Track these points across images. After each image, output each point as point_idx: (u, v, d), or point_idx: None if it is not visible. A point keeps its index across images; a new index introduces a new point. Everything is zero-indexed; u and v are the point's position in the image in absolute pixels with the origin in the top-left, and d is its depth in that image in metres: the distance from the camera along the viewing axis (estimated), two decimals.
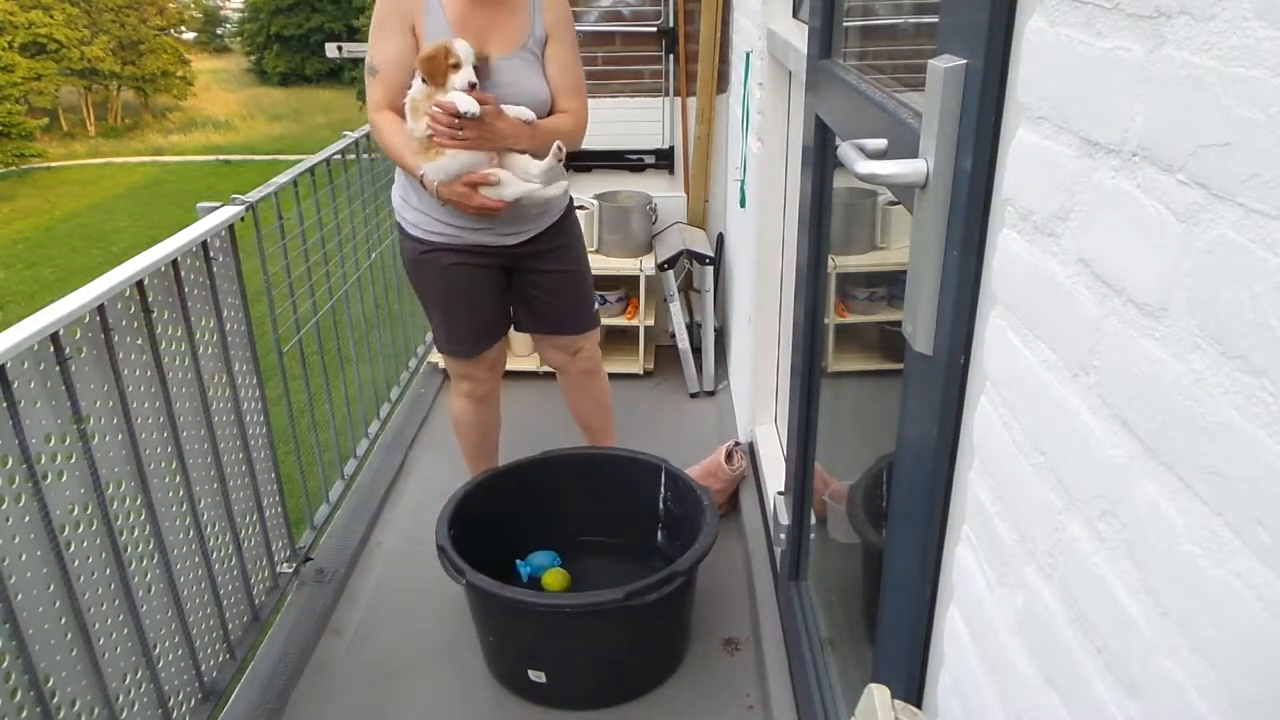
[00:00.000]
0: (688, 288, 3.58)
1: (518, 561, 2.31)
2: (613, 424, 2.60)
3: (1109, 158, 0.62)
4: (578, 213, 2.37)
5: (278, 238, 2.28)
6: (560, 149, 2.04)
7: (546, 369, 3.37)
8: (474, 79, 1.95)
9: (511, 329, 2.37)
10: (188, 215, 1.93)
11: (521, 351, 3.49)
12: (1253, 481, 0.47)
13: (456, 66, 1.94)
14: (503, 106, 2.01)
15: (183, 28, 33.93)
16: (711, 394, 3.41)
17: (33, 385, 1.40)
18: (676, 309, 3.35)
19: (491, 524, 2.22)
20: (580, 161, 3.58)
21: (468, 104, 1.93)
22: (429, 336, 3.66)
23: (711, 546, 2.02)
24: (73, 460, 1.49)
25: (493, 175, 2.01)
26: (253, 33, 33.21)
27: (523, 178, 2.05)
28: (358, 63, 26.54)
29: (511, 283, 2.27)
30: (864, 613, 1.48)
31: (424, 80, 1.97)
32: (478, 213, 2.03)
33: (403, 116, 2.04)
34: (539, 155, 2.06)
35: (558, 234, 2.23)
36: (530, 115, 2.04)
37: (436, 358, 3.52)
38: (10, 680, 1.35)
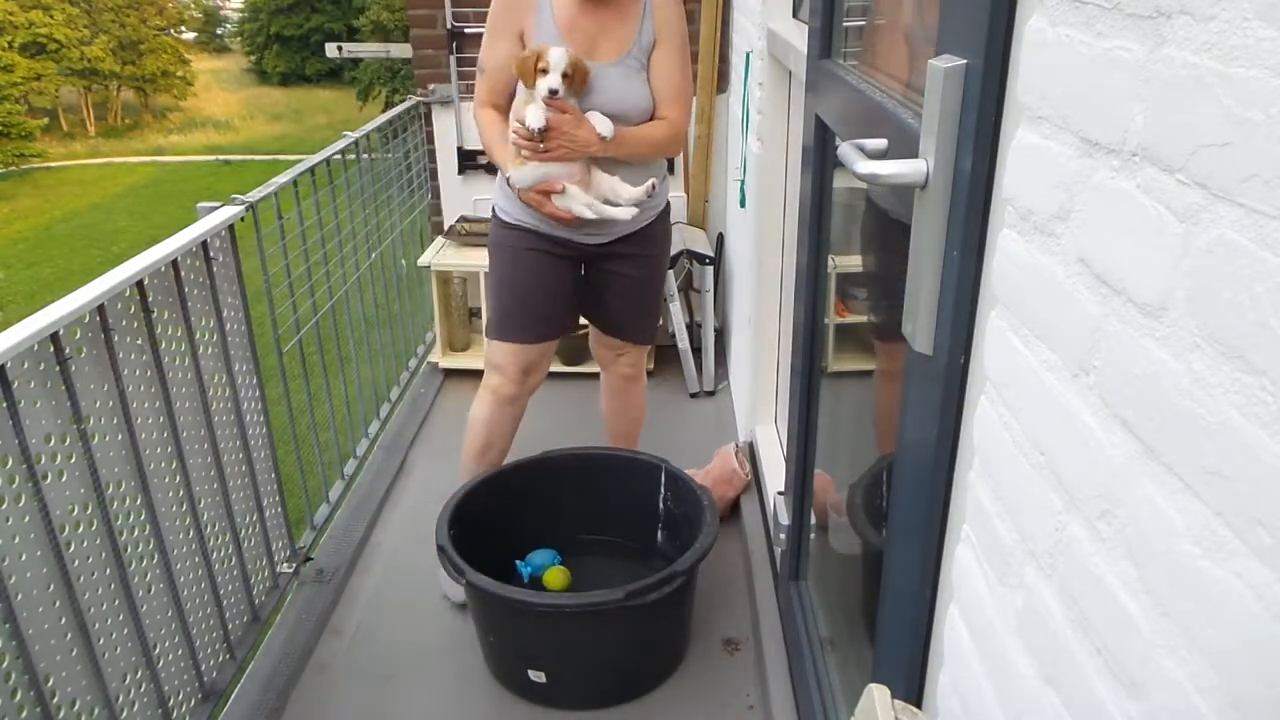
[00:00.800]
0: (688, 288, 3.58)
1: (517, 562, 2.31)
2: (639, 434, 2.59)
3: (1109, 158, 0.62)
4: None
5: (278, 238, 2.28)
6: (653, 185, 2.09)
7: (551, 369, 3.38)
8: (556, 86, 1.92)
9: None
10: (188, 215, 1.93)
11: None
12: (1253, 481, 0.47)
13: (544, 72, 1.92)
14: (591, 114, 2.00)
15: (183, 28, 33.96)
16: (711, 394, 3.41)
17: (33, 385, 1.40)
18: (676, 309, 3.36)
19: (491, 524, 2.22)
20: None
21: (534, 119, 1.93)
22: (429, 336, 3.66)
23: (711, 546, 2.02)
24: (73, 460, 1.49)
25: (559, 185, 2.02)
26: (253, 33, 33.21)
27: (611, 199, 2.06)
28: (358, 63, 26.67)
29: (586, 278, 2.26)
30: (864, 613, 1.48)
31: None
32: (550, 219, 2.06)
33: (506, 114, 2.07)
34: (634, 162, 2.08)
35: (644, 241, 2.23)
36: (608, 128, 2.00)
37: (437, 357, 3.52)
38: (10, 680, 1.35)
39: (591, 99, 2.01)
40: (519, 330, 2.22)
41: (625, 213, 2.08)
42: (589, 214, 2.04)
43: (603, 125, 2.00)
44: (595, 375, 2.64)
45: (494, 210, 2.23)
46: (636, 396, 2.51)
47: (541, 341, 2.25)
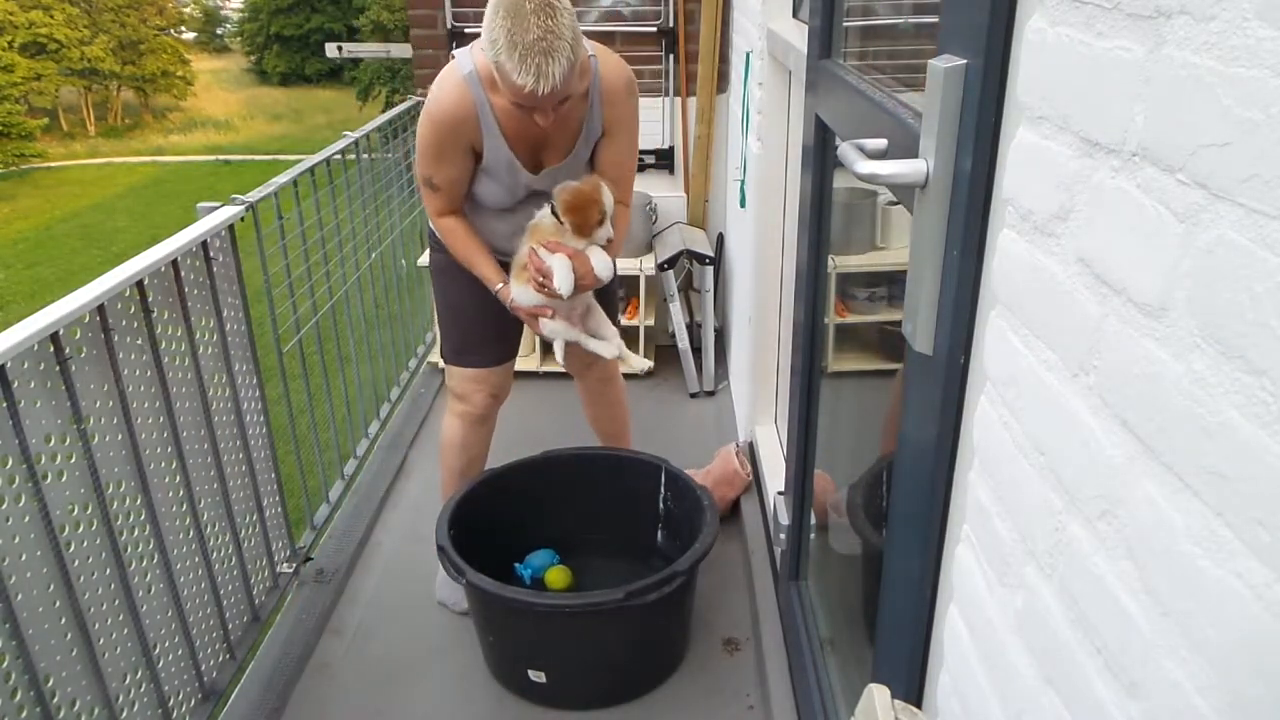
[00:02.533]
0: (688, 288, 3.58)
1: (517, 565, 2.31)
2: (629, 431, 2.57)
3: (1109, 158, 0.62)
4: None
5: (278, 238, 2.28)
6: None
7: (547, 369, 3.39)
8: (610, 235, 1.97)
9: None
10: (188, 215, 1.93)
11: (522, 351, 3.49)
12: (1253, 481, 0.47)
13: (601, 222, 1.95)
14: (593, 252, 1.98)
15: (183, 28, 33.94)
16: (711, 394, 3.41)
17: (33, 385, 1.40)
18: (676, 309, 3.36)
19: (491, 524, 2.22)
20: None
21: (564, 284, 1.94)
22: (429, 336, 3.66)
23: (711, 546, 2.02)
24: (73, 460, 1.49)
25: (549, 311, 2.03)
26: (253, 33, 33.20)
27: (598, 334, 2.12)
28: (358, 63, 26.66)
29: None
30: (864, 613, 1.48)
31: (556, 217, 1.95)
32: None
33: (461, 215, 2.05)
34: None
35: None
36: (608, 271, 2.01)
37: (436, 357, 3.52)
38: (10, 680, 1.35)
39: (537, 189, 2.01)
40: (477, 355, 2.21)
41: (610, 349, 2.12)
42: (573, 338, 2.09)
43: (603, 269, 2.00)
44: None
45: (434, 235, 2.18)
46: (615, 395, 2.49)
47: (501, 363, 2.25)
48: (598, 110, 1.98)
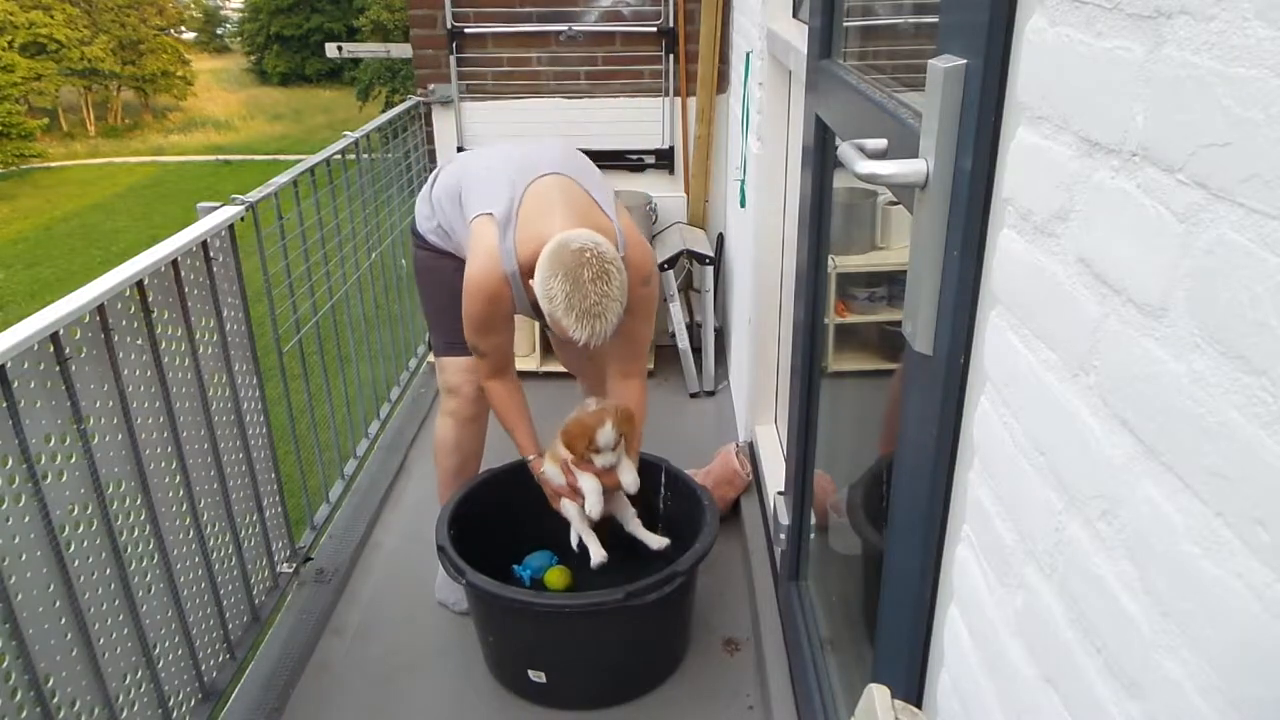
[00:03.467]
0: (688, 288, 3.58)
1: (515, 567, 2.30)
2: (640, 428, 2.57)
3: (1109, 158, 0.62)
4: None
5: (278, 238, 2.28)
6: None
7: (547, 369, 3.39)
8: (611, 462, 2.03)
9: None
10: (188, 215, 1.93)
11: (522, 351, 3.49)
12: (1253, 481, 0.47)
13: (597, 451, 2.01)
14: (623, 471, 2.05)
15: (183, 28, 33.94)
16: (711, 394, 3.41)
17: (33, 385, 1.40)
18: (676, 309, 3.36)
19: (491, 524, 2.21)
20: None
21: (594, 508, 2.03)
22: (429, 336, 3.66)
23: (711, 546, 2.02)
24: (73, 460, 1.49)
25: (563, 507, 2.11)
26: (253, 33, 33.20)
27: (619, 519, 2.16)
28: (358, 63, 26.64)
29: None
30: (864, 613, 1.48)
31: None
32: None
33: (509, 380, 2.11)
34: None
35: None
36: (635, 486, 2.06)
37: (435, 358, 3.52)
38: (10, 680, 1.35)
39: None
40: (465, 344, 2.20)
41: (631, 529, 2.16)
42: (582, 531, 2.12)
43: (631, 485, 2.06)
44: None
45: (417, 233, 2.21)
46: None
47: None
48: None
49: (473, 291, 1.94)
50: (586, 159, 2.14)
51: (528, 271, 1.87)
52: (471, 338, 2.03)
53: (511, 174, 1.96)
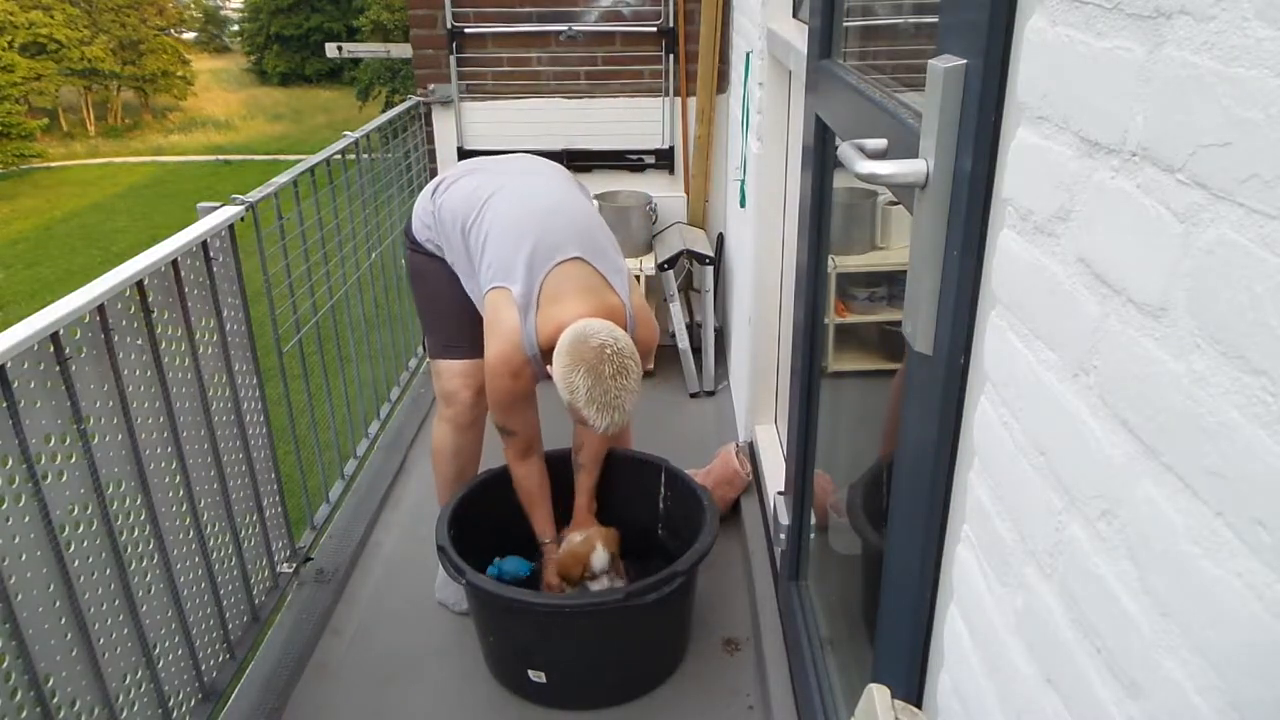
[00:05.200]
0: (688, 288, 3.58)
1: (489, 568, 2.27)
2: (629, 431, 2.55)
3: (1109, 158, 0.62)
4: None
5: (278, 238, 2.28)
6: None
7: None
8: (606, 585, 2.13)
9: None
10: (188, 215, 1.93)
11: None
12: (1253, 481, 0.47)
13: (594, 577, 2.13)
14: (596, 557, 2.14)
15: (183, 28, 33.93)
16: (711, 394, 3.41)
17: (33, 385, 1.40)
18: (676, 309, 3.36)
19: (492, 524, 2.21)
20: (581, 162, 3.58)
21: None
22: (424, 339, 3.66)
23: (711, 546, 2.02)
24: (73, 460, 1.49)
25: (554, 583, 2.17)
26: (253, 33, 33.19)
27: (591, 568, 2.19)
28: (358, 63, 26.63)
29: None
30: (864, 613, 1.48)
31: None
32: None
33: (536, 463, 2.19)
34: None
35: None
36: (603, 564, 2.14)
37: None
38: (10, 680, 1.35)
39: None
40: (461, 346, 2.22)
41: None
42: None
43: (599, 562, 2.14)
44: None
45: (412, 237, 2.22)
46: None
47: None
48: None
49: (498, 369, 1.99)
50: (598, 217, 2.15)
51: (547, 352, 1.94)
52: (500, 418, 2.10)
53: (530, 251, 1.97)
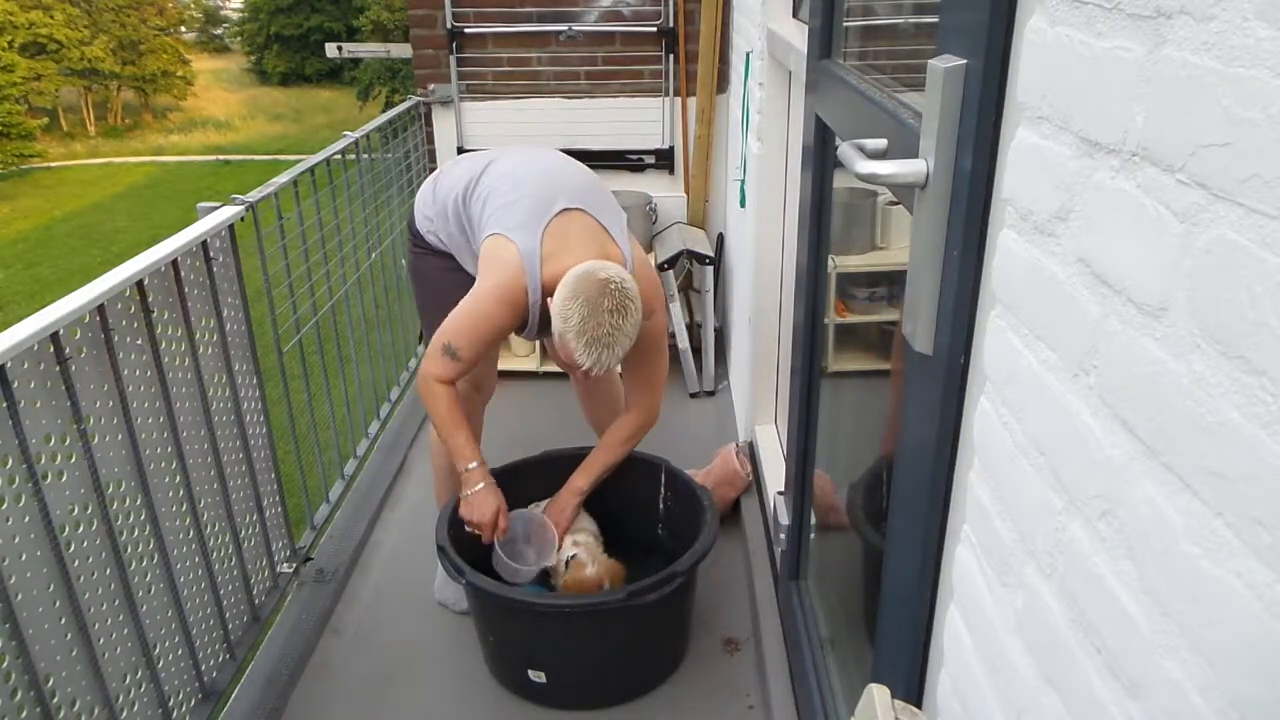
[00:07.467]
0: (688, 288, 3.58)
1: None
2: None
3: (1109, 158, 0.62)
4: None
5: (278, 238, 2.28)
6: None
7: (546, 369, 3.39)
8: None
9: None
10: (188, 215, 1.93)
11: (521, 351, 3.49)
12: (1253, 481, 0.47)
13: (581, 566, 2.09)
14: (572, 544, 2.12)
15: (183, 28, 33.92)
16: (711, 394, 3.41)
17: (33, 385, 1.40)
18: (676, 309, 3.35)
19: None
20: (581, 162, 3.57)
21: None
22: (423, 335, 3.66)
23: (711, 546, 2.02)
24: (73, 460, 1.49)
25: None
26: (253, 33, 33.18)
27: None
28: (358, 63, 26.64)
29: None
30: (864, 613, 1.48)
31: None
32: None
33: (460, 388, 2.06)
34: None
35: None
36: (553, 541, 2.11)
37: None
38: (10, 680, 1.35)
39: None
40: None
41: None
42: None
43: (551, 557, 2.11)
44: None
45: (415, 232, 2.21)
46: (614, 394, 2.46)
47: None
48: None
49: (489, 293, 1.95)
50: (594, 177, 2.15)
51: (548, 293, 1.91)
52: (459, 338, 1.96)
53: (534, 201, 1.97)
